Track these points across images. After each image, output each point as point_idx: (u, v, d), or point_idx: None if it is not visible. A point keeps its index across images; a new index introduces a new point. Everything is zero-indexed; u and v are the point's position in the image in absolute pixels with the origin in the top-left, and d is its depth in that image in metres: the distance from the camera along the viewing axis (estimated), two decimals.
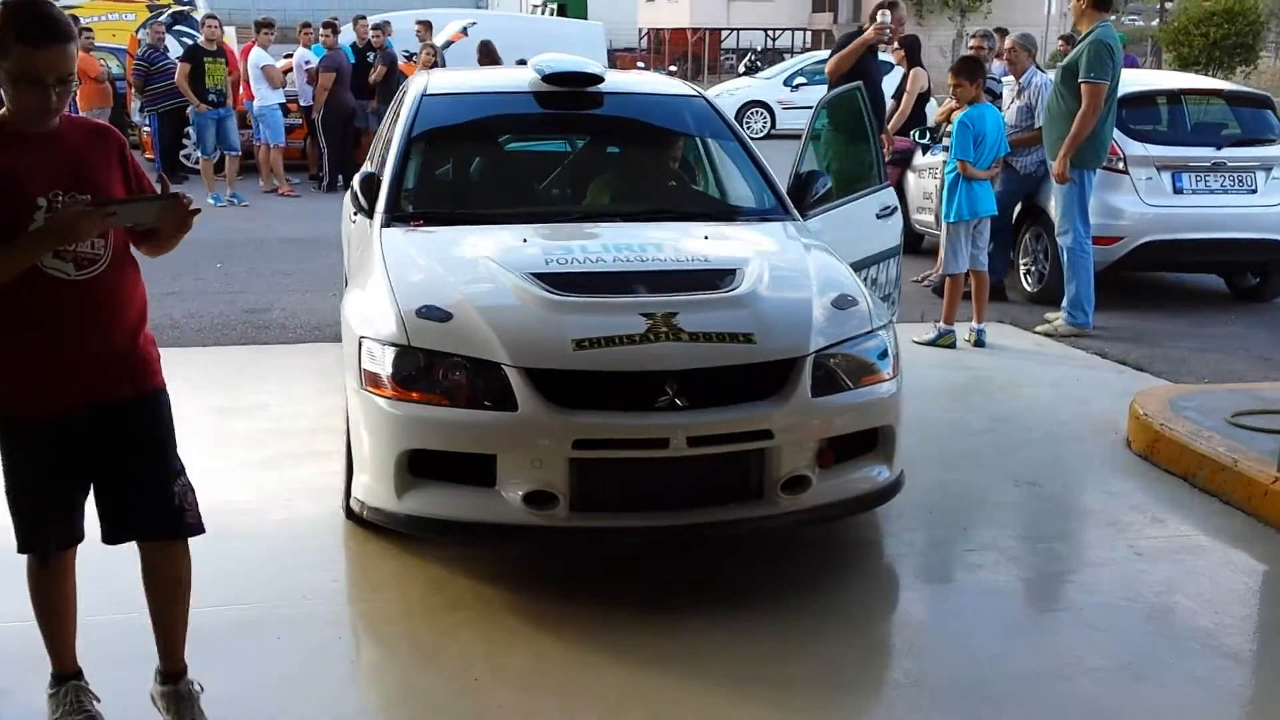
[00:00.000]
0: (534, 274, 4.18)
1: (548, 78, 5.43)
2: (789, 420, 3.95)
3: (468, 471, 3.88)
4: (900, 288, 6.32)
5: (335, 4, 19.65)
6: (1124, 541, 4.54)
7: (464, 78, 6.75)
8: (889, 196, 6.21)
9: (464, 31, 17.05)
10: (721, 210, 5.26)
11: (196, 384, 6.32)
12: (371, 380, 3.97)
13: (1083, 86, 7.51)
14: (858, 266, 5.82)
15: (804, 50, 43.78)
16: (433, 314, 4.02)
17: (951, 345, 7.45)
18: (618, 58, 43.51)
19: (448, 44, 17.16)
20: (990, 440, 5.73)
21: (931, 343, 7.48)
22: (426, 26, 16.69)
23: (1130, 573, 4.29)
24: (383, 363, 3.96)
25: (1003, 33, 10.34)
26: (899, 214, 6.25)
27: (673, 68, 37.72)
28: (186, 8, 22.66)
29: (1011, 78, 8.95)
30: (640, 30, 53.16)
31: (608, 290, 4.13)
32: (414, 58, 15.38)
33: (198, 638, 3.27)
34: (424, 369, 3.92)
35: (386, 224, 4.81)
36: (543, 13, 43.40)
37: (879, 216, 6.03)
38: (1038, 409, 6.21)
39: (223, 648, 3.57)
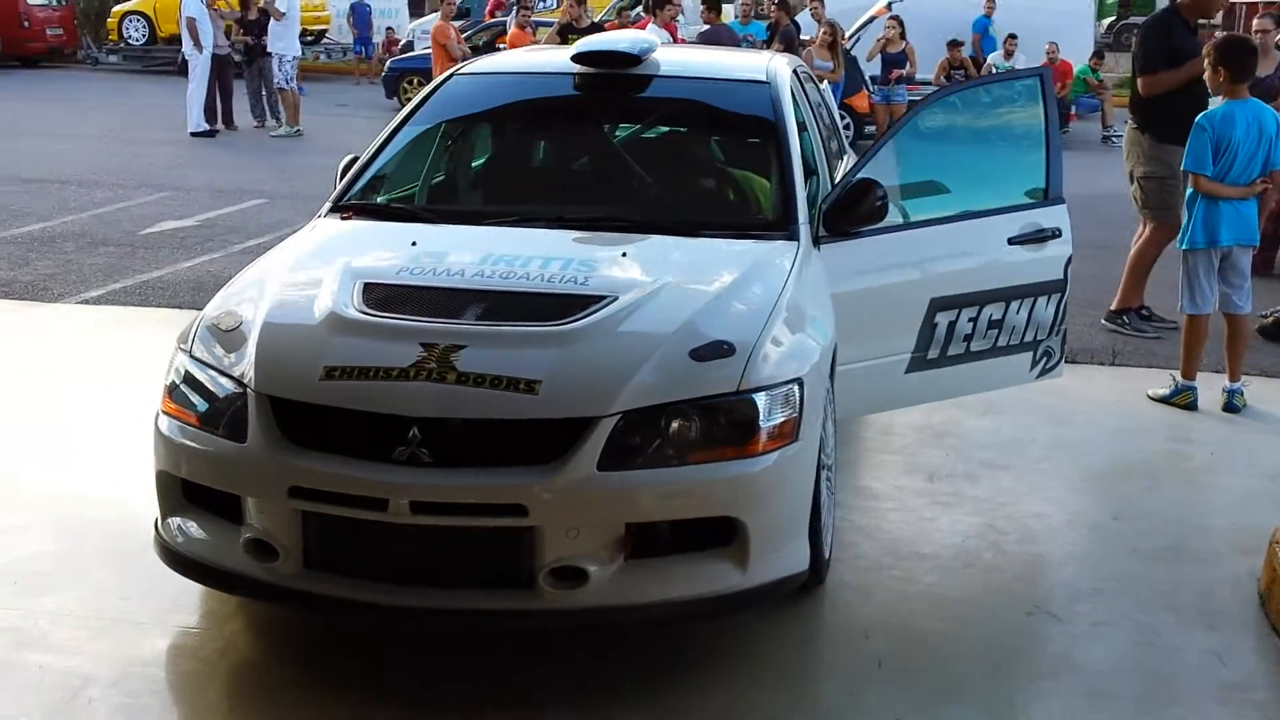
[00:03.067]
0: (368, 283, 3.64)
1: (577, 58, 4.76)
2: (555, 495, 3.13)
3: (224, 506, 3.44)
4: (1063, 333, 4.88)
5: None
6: None
7: (515, 58, 6.04)
8: (1046, 217, 4.75)
9: (888, 6, 16.02)
10: (707, 221, 4.27)
11: None
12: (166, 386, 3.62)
13: None
14: (964, 303, 4.59)
15: None
16: (225, 321, 3.61)
17: (1190, 406, 5.78)
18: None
19: (871, 19, 16.28)
20: (1071, 547, 4.31)
21: (1165, 400, 5.87)
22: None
23: None
24: (171, 369, 3.61)
25: None
26: (1063, 240, 4.78)
27: None
28: None
29: None
30: None
31: (423, 311, 3.48)
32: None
33: None
34: (192, 383, 3.51)
35: (328, 212, 4.43)
36: None
37: (1014, 241, 4.70)
38: (1198, 510, 4.60)
39: None
